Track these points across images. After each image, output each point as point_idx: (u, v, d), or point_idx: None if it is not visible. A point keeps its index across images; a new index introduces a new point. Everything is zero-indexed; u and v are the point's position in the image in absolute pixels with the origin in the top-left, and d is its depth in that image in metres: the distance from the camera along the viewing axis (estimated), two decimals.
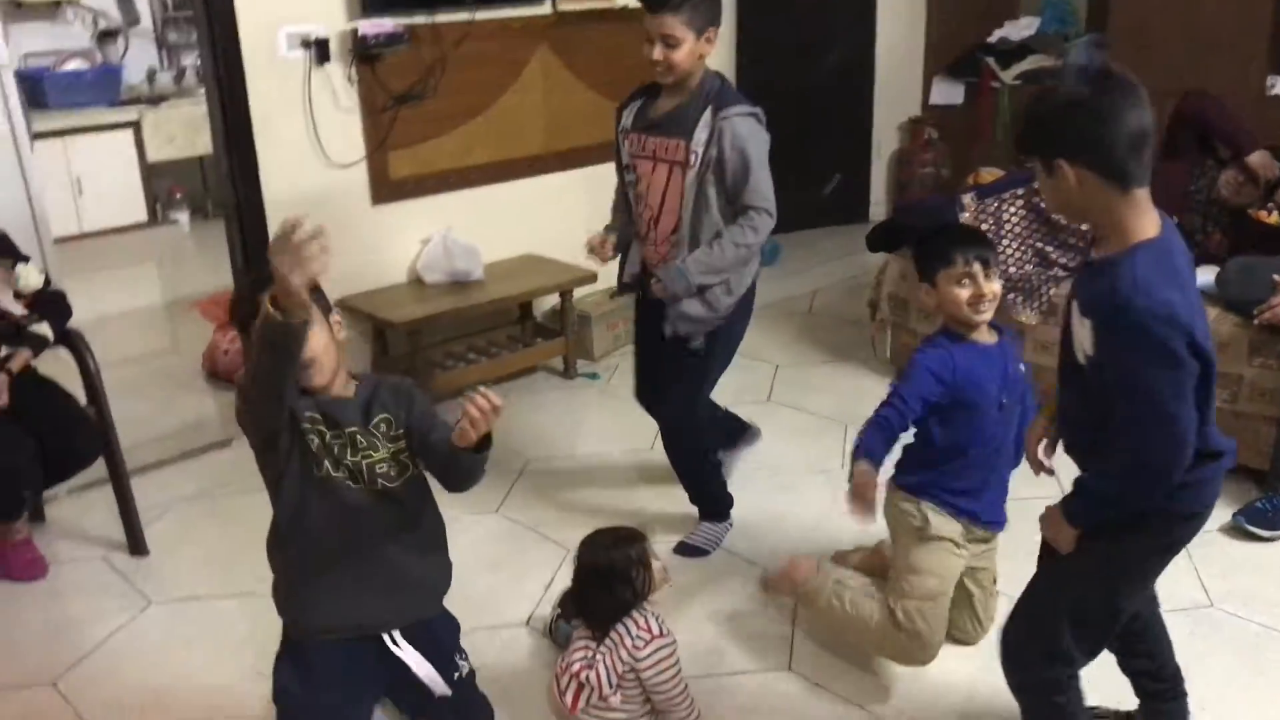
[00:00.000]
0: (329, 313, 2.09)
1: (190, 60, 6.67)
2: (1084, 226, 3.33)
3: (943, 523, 2.45)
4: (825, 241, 5.99)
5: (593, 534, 2.48)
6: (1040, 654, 2.04)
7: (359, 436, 2.07)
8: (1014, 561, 2.19)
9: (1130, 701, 2.31)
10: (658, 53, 2.69)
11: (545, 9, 4.32)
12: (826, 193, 6.22)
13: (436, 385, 3.96)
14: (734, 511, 3.20)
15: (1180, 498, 1.88)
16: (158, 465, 3.66)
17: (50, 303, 3.07)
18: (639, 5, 2.73)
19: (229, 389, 3.51)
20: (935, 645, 2.45)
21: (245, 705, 2.49)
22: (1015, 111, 5.70)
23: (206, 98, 3.84)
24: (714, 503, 3.17)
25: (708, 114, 2.72)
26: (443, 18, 4.03)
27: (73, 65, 6.29)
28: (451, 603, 2.29)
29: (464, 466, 2.04)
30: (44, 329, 3.01)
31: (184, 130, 6.39)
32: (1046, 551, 2.08)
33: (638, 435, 3.65)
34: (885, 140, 6.31)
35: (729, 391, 3.59)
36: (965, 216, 3.92)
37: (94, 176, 6.16)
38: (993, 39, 5.89)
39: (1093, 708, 2.37)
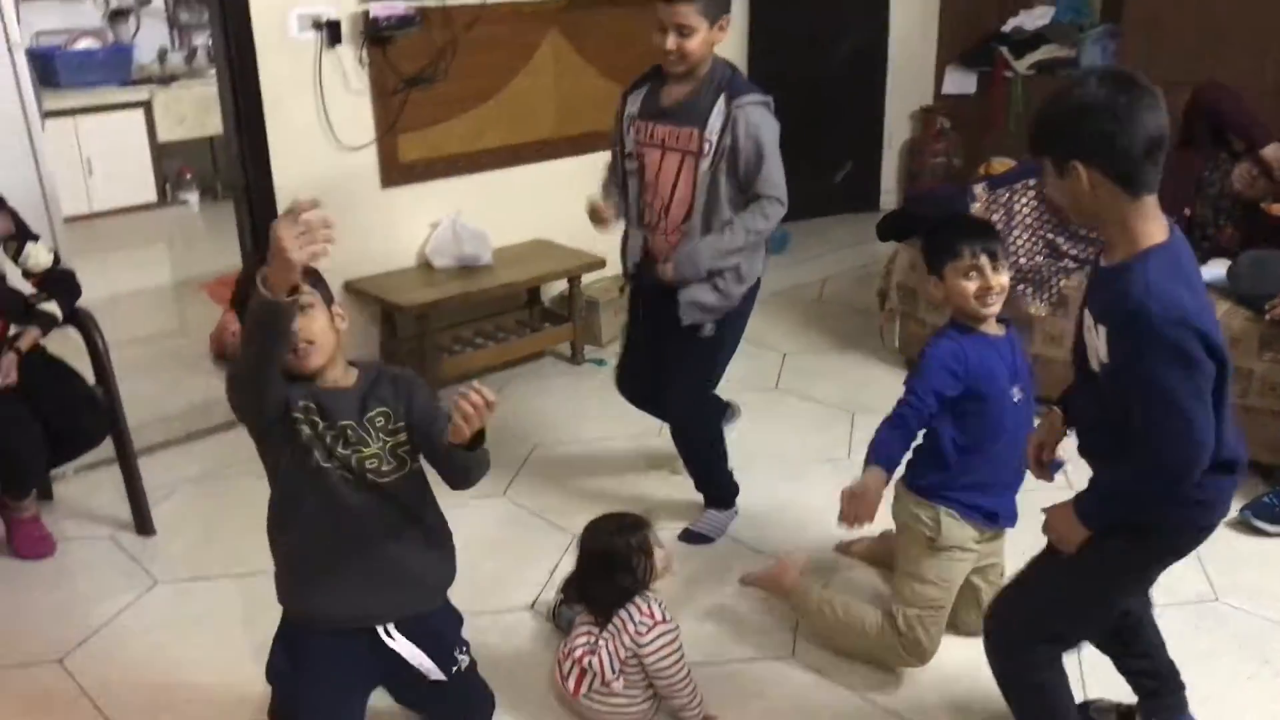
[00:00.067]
0: (330, 303, 2.07)
1: (202, 40, 6.66)
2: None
3: (956, 529, 2.42)
4: (835, 230, 5.97)
5: (596, 520, 2.50)
6: (1024, 638, 2.05)
7: (350, 430, 2.02)
8: (1023, 559, 2.19)
9: (1131, 697, 2.31)
10: (671, 41, 2.67)
11: None
12: (837, 181, 6.20)
13: (444, 370, 3.97)
14: (739, 499, 3.20)
15: (1192, 513, 1.88)
16: (164, 445, 3.67)
17: (59, 282, 3.07)
18: None
19: None
20: (931, 653, 2.45)
21: (250, 684, 2.50)
22: (1028, 101, 5.67)
23: (217, 78, 3.84)
24: (720, 490, 3.17)
25: (721, 102, 2.71)
26: (454, 0, 4.02)
27: (84, 44, 6.29)
28: (456, 587, 2.29)
29: (459, 464, 2.00)
30: (53, 308, 3.02)
31: (194, 111, 6.39)
32: (1051, 546, 2.07)
33: (644, 421, 3.64)
34: (897, 129, 6.28)
35: (736, 378, 3.58)
36: (976, 207, 3.90)
37: (104, 156, 6.16)
38: (1006, 28, 5.85)
39: (1093, 701, 2.38)
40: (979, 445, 2.39)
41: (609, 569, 2.36)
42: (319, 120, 3.84)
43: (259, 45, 3.66)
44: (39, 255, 3.03)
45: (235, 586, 2.91)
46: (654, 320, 2.99)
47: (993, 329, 2.41)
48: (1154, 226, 1.79)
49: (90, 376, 3.11)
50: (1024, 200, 3.85)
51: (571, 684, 2.38)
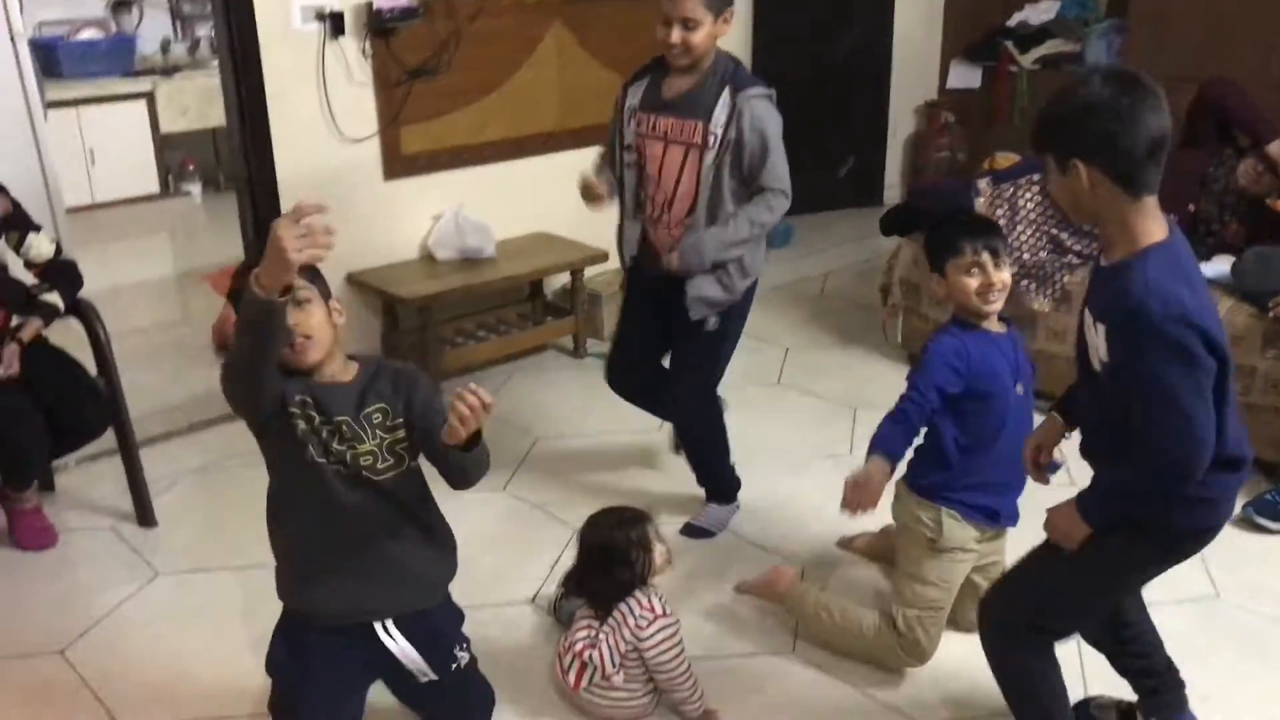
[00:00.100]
0: (328, 297, 2.05)
1: (205, 31, 6.65)
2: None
3: (957, 531, 2.42)
4: (838, 224, 5.96)
5: (597, 513, 2.50)
6: (1018, 625, 2.06)
7: (345, 426, 2.00)
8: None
9: (1131, 694, 2.30)
10: (676, 35, 2.66)
11: None
12: (841, 175, 6.19)
13: (446, 362, 3.96)
14: (741, 494, 3.20)
15: (1196, 512, 1.88)
16: (166, 437, 3.67)
17: (61, 272, 3.07)
18: None
19: None
20: (931, 653, 2.45)
21: (250, 676, 2.51)
22: (1033, 96, 5.66)
23: (220, 69, 3.83)
24: (722, 485, 3.17)
25: (726, 95, 2.70)
26: None
27: (87, 34, 6.28)
28: (456, 581, 2.28)
29: (456, 465, 1.98)
30: (55, 299, 3.02)
31: (197, 102, 6.38)
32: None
33: (646, 416, 3.63)
34: (901, 123, 6.27)
35: (739, 373, 3.57)
36: (980, 201, 3.89)
37: (107, 147, 6.15)
38: (1012, 22, 5.84)
39: (1093, 698, 2.38)
40: (981, 444, 2.38)
41: (607, 563, 2.37)
42: (322, 112, 3.84)
43: (262, 36, 3.65)
44: (41, 246, 3.03)
45: (236, 578, 2.91)
46: (657, 314, 2.99)
47: (994, 326, 2.40)
48: (1154, 225, 1.79)
49: (92, 367, 3.11)
50: (1028, 195, 3.84)
51: (572, 678, 2.38)
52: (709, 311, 2.85)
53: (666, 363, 3.10)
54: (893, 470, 2.32)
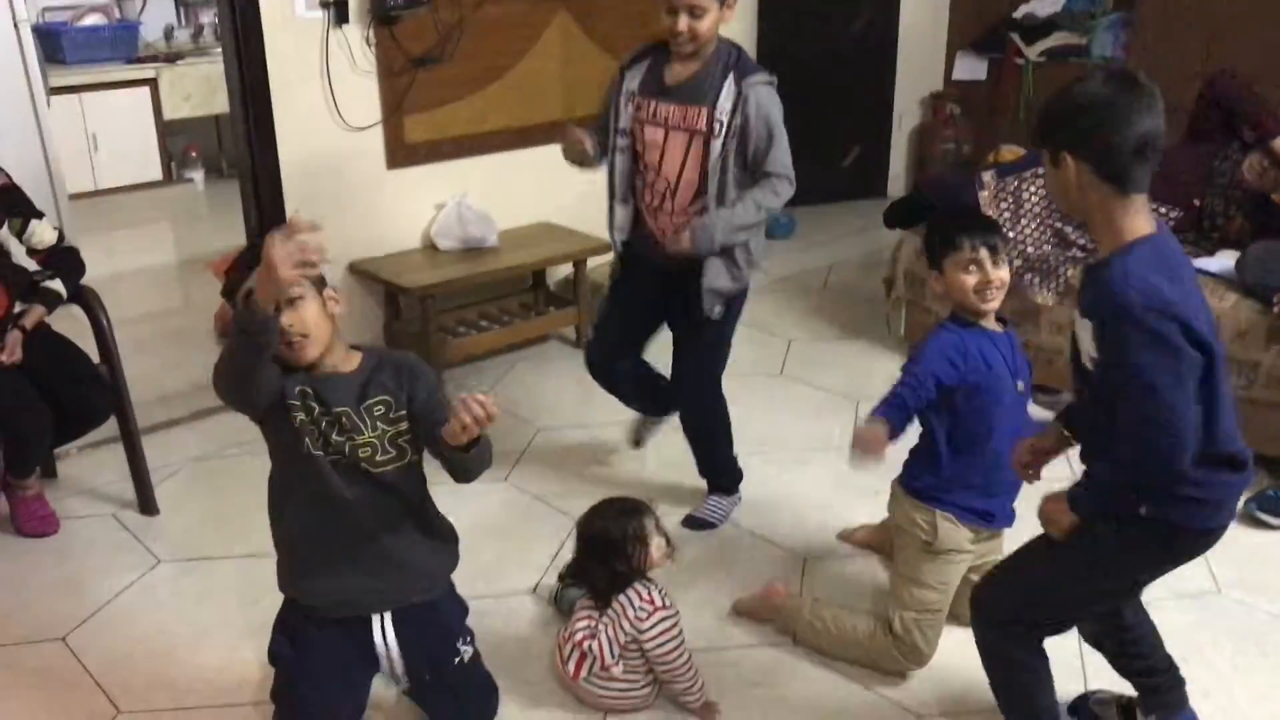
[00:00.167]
0: (323, 287, 2.02)
1: (208, 18, 6.64)
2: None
3: (953, 533, 2.41)
4: (842, 216, 5.94)
5: (597, 504, 2.50)
6: (1008, 614, 2.06)
7: (345, 417, 2.00)
8: None
9: (1132, 689, 2.30)
10: (683, 23, 2.65)
11: None
12: (845, 166, 6.17)
13: (448, 352, 3.96)
14: (742, 486, 3.20)
15: (1192, 512, 1.87)
16: (168, 425, 3.67)
17: (64, 259, 3.07)
18: None
19: None
20: (929, 656, 2.44)
21: (251, 664, 2.51)
22: (1039, 89, 5.64)
23: (223, 56, 3.82)
24: (724, 476, 3.17)
25: (730, 81, 2.69)
26: None
27: (90, 20, 6.28)
28: (458, 571, 2.29)
29: (458, 464, 1.98)
30: (58, 285, 3.02)
31: (200, 89, 6.37)
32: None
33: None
34: (906, 115, 6.24)
35: (743, 365, 3.57)
36: (985, 195, 3.88)
37: (110, 133, 6.15)
38: (1018, 14, 5.81)
39: (1094, 692, 2.38)
40: (975, 444, 2.37)
41: (603, 554, 2.37)
42: (325, 100, 3.83)
43: (266, 23, 3.64)
44: (43, 233, 3.03)
45: (237, 566, 2.92)
46: (653, 304, 2.98)
47: (992, 325, 2.38)
48: (1141, 223, 1.81)
49: (94, 355, 3.10)
50: (1033, 189, 3.83)
51: (571, 667, 2.38)
52: (718, 302, 2.85)
53: (669, 361, 3.09)
54: (891, 438, 2.28)
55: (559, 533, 3.04)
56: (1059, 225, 3.76)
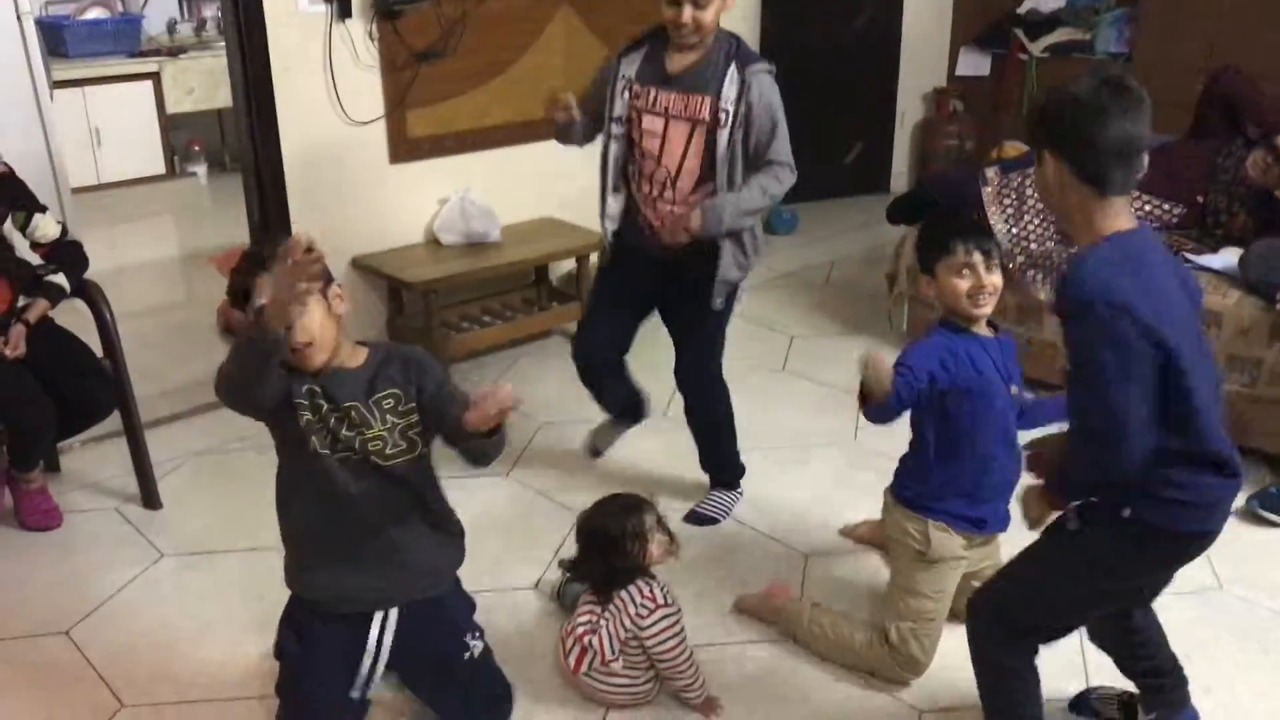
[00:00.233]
0: (329, 284, 2.01)
1: (211, 12, 6.63)
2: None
3: (946, 541, 2.40)
4: (845, 212, 5.94)
5: (601, 500, 2.50)
6: (1004, 626, 2.06)
7: (354, 412, 2.00)
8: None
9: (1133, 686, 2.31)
10: (686, 14, 2.64)
11: None
12: (848, 162, 6.17)
13: (451, 347, 3.96)
14: (744, 481, 3.20)
15: (1172, 514, 1.87)
16: (171, 419, 3.67)
17: (67, 253, 3.07)
18: None
19: None
20: (926, 665, 2.44)
21: (255, 658, 2.52)
22: (1042, 84, 5.63)
23: (226, 50, 3.81)
24: (727, 471, 3.17)
25: (733, 70, 2.69)
26: None
27: (93, 14, 6.26)
28: (461, 566, 2.29)
29: (477, 449, 2.01)
30: (61, 280, 3.02)
31: (203, 83, 6.36)
32: (1040, 537, 2.08)
33: (651, 401, 3.64)
34: (909, 110, 6.24)
35: (745, 361, 3.59)
36: (988, 191, 3.88)
37: (112, 127, 6.14)
38: (1022, 10, 5.81)
39: (1095, 689, 2.39)
40: (965, 449, 2.36)
41: (601, 549, 2.37)
42: (328, 94, 3.82)
43: (269, 17, 3.63)
44: (46, 226, 3.03)
45: (241, 561, 2.92)
46: (647, 296, 2.99)
47: (983, 331, 2.37)
48: (1118, 223, 1.83)
49: (98, 349, 3.11)
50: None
51: (573, 661, 2.38)
52: (725, 292, 2.86)
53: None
54: (888, 413, 2.28)
55: (561, 528, 3.04)
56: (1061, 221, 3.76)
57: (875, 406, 2.27)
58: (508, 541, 3.00)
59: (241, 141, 3.88)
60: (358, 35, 3.85)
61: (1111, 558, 1.94)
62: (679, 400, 3.17)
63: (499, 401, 1.84)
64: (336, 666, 2.15)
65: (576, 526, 2.49)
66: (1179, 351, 1.77)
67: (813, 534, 3.05)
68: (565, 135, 2.95)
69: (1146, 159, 1.83)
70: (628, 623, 2.33)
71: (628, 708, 2.40)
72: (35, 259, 3.05)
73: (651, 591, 2.35)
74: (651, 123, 2.79)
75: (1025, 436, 2.37)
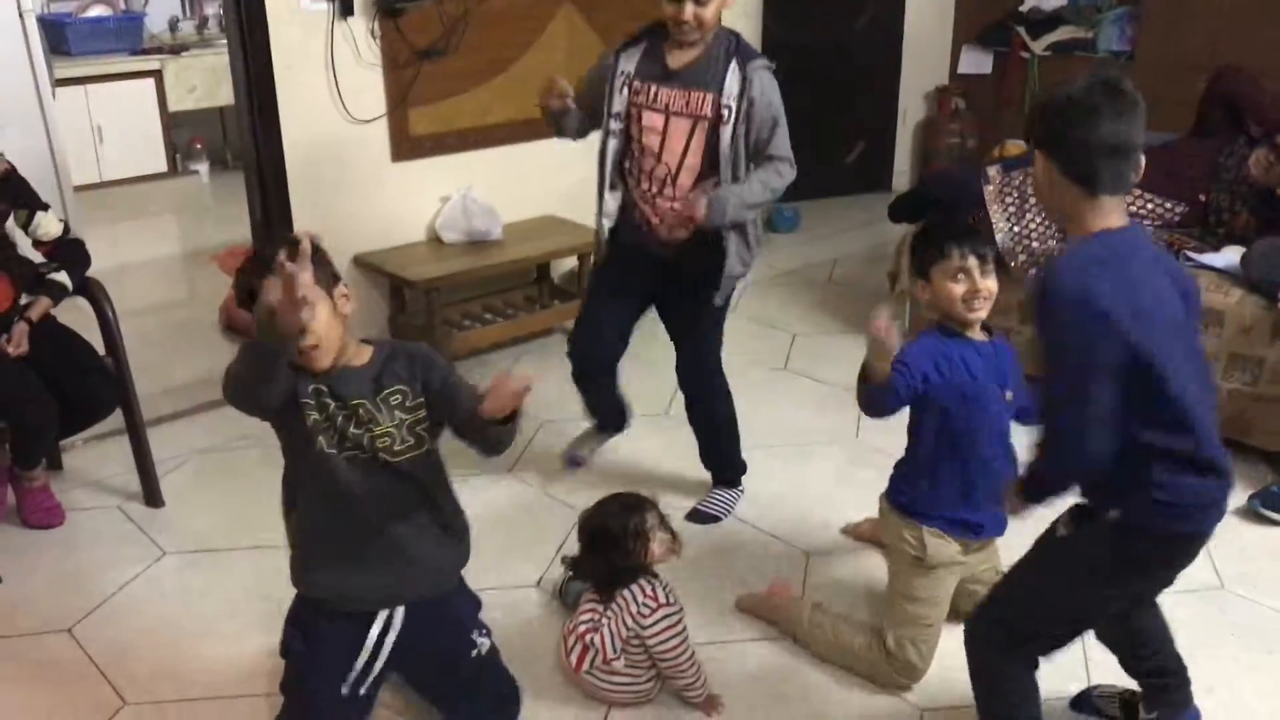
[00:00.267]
0: (335, 284, 2.02)
1: (213, 10, 6.63)
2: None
3: (942, 547, 2.39)
4: (847, 210, 5.94)
5: (603, 499, 2.50)
6: (1004, 634, 2.05)
7: (362, 409, 2.01)
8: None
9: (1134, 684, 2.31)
10: (688, 11, 2.64)
11: None
12: (850, 160, 6.17)
13: (453, 345, 3.96)
14: (746, 480, 3.20)
15: (1155, 516, 1.86)
16: (174, 417, 3.68)
17: (69, 251, 3.07)
18: None
19: None
20: (924, 672, 2.44)
21: (258, 656, 2.52)
22: (1044, 83, 5.63)
23: (228, 48, 3.82)
24: (729, 469, 3.18)
25: (734, 66, 2.69)
26: None
27: (95, 12, 6.27)
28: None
29: (493, 436, 2.00)
30: (63, 278, 3.02)
31: (205, 80, 6.37)
32: (1036, 544, 2.08)
33: (652, 399, 3.65)
34: (911, 108, 6.24)
35: (747, 359, 3.58)
36: (990, 189, 3.87)
37: (114, 125, 6.15)
38: (1024, 8, 5.80)
39: (1096, 687, 2.38)
40: (960, 453, 2.35)
41: (603, 547, 2.37)
42: (330, 92, 3.83)
43: (271, 15, 3.63)
44: (49, 224, 3.03)
45: (243, 559, 2.92)
46: (644, 295, 2.99)
47: (977, 335, 2.36)
48: (1108, 221, 1.83)
49: (100, 347, 3.11)
50: None
51: (574, 660, 2.39)
52: (730, 287, 2.86)
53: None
54: (886, 405, 2.29)
55: (563, 526, 3.04)
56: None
57: (874, 390, 2.26)
58: (510, 539, 3.01)
59: (243, 139, 3.88)
60: (360, 33, 3.85)
61: (1105, 562, 1.93)
62: (680, 399, 3.16)
63: (513, 387, 1.85)
64: (342, 665, 2.15)
65: (578, 525, 2.49)
66: (1159, 353, 1.76)
67: (814, 533, 3.05)
68: (558, 124, 2.93)
69: (1144, 160, 1.83)
70: (629, 621, 2.33)
71: (629, 706, 2.40)
72: (37, 257, 3.06)
73: (653, 591, 2.35)
74: (652, 119, 2.78)
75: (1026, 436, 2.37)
